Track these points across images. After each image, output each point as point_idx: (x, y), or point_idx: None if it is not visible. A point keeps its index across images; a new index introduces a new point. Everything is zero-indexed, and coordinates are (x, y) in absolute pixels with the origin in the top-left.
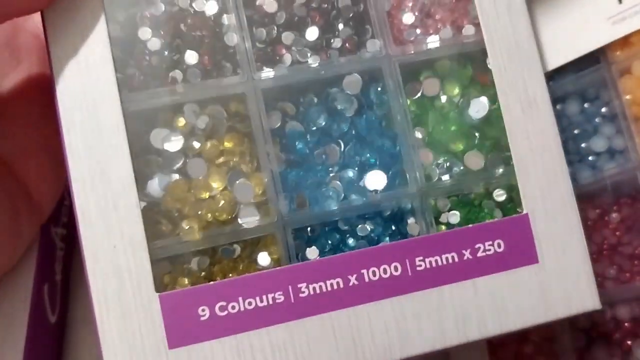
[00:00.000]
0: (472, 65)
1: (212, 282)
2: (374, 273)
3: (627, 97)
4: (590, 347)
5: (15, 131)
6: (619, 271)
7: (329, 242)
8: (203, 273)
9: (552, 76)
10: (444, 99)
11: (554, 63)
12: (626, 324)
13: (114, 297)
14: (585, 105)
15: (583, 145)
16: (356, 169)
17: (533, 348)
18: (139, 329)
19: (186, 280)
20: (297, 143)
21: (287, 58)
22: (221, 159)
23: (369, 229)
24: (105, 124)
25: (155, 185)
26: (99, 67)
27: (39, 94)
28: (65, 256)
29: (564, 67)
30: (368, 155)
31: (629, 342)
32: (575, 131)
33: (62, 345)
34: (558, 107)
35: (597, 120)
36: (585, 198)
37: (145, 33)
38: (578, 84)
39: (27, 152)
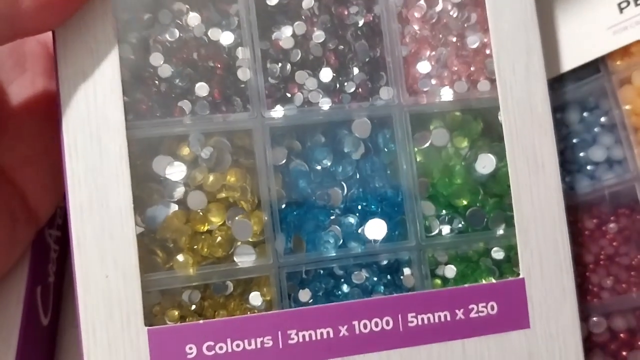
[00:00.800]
0: (483, 121)
1: (201, 321)
2: (365, 325)
3: (627, 107)
4: (585, 357)
5: (16, 139)
6: (616, 282)
7: (323, 286)
8: (194, 307)
9: (552, 85)
10: (451, 150)
11: (554, 71)
12: (622, 335)
13: (102, 327)
14: (585, 114)
15: (582, 154)
16: (357, 215)
17: None
18: None
19: (176, 313)
20: (300, 182)
21: (299, 98)
22: (222, 194)
23: (365, 277)
24: (108, 150)
25: (153, 214)
26: (107, 92)
27: (42, 103)
28: (59, 258)
29: (564, 75)
30: (370, 202)
31: (624, 353)
32: (574, 140)
33: (54, 348)
34: (557, 115)
35: (596, 129)
36: (583, 208)
37: (157, 59)
38: (578, 92)
39: (27, 161)
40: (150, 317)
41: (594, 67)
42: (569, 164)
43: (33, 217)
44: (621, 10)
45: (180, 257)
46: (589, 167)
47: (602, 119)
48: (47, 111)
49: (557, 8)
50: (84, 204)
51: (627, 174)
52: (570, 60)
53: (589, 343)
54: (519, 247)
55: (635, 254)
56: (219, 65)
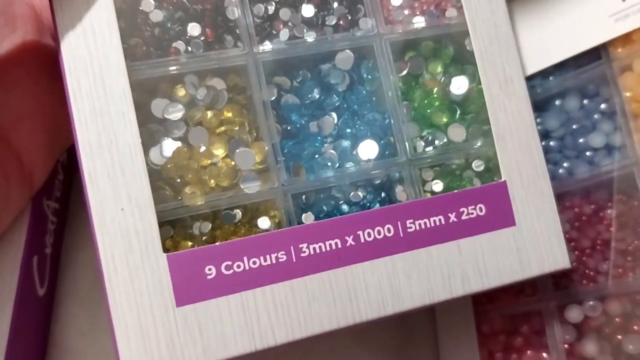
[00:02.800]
0: (454, 47)
1: (218, 243)
2: (368, 234)
3: (627, 94)
4: (580, 340)
5: (9, 97)
6: (612, 266)
7: (324, 208)
8: (205, 237)
9: (553, 71)
10: (427, 76)
11: (555, 58)
12: (617, 319)
13: (122, 258)
14: (585, 101)
15: (581, 140)
16: (349, 139)
17: (523, 341)
18: (147, 289)
19: (189, 244)
20: (292, 115)
21: (285, 33)
22: (222, 128)
23: (361, 196)
24: (112, 90)
25: (157, 153)
26: (105, 34)
27: (34, 61)
28: (57, 230)
29: (565, 62)
30: (360, 127)
31: (619, 337)
32: (574, 126)
33: (50, 319)
34: (557, 102)
35: (596, 116)
36: (581, 193)
37: (148, 5)
38: (578, 79)
39: (20, 119)
40: (165, 251)
41: (595, 54)
42: (568, 149)
43: (27, 177)
44: None
45: (188, 190)
46: (588, 153)
47: (602, 106)
48: (40, 69)
49: None
50: (92, 143)
51: (626, 160)
52: (571, 47)
53: (585, 326)
54: (498, 153)
55: (632, 239)
56: (208, 7)
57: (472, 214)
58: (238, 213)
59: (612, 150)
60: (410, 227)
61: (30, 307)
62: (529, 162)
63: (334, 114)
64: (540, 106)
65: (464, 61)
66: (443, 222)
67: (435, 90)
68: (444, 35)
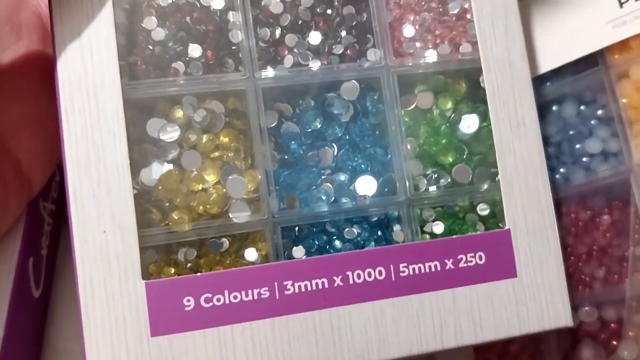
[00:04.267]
0: (466, 83)
1: (199, 274)
2: (358, 276)
3: (624, 100)
4: (575, 346)
5: (10, 105)
6: (608, 272)
7: (316, 242)
8: (189, 264)
9: (550, 77)
10: (436, 112)
11: (552, 64)
12: (612, 325)
13: (100, 281)
14: (582, 107)
15: (577, 146)
16: (348, 173)
17: (518, 347)
18: (123, 315)
19: (172, 270)
20: (292, 143)
21: (289, 59)
22: (216, 154)
23: (356, 233)
24: (105, 108)
25: (148, 174)
26: (103, 52)
27: (36, 71)
28: (53, 232)
29: (562, 68)
30: (360, 161)
31: (614, 343)
32: (571, 132)
33: (45, 321)
34: (554, 108)
35: (592, 122)
36: (577, 199)
37: (150, 22)
38: (575, 85)
39: (20, 127)
40: (147, 276)
41: (592, 60)
42: (564, 155)
43: (26, 184)
44: (621, 4)
45: (175, 215)
46: (584, 159)
47: (599, 112)
48: (42, 78)
49: (558, 1)
50: (81, 161)
51: (622, 166)
52: (569, 53)
53: (580, 332)
54: (504, 199)
55: (628, 245)
56: (211, 28)
57: (471, 262)
58: (225, 242)
59: (608, 157)
60: (404, 272)
61: (25, 309)
62: (536, 209)
63: (334, 145)
64: (537, 112)
65: (476, 99)
66: (439, 268)
67: (443, 127)
68: (457, 71)
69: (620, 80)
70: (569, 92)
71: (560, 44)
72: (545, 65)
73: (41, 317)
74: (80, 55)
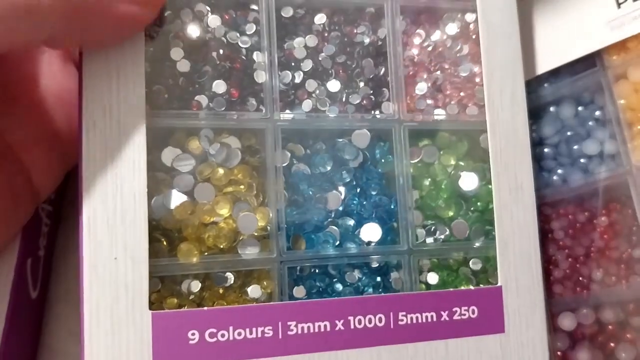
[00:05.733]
0: (469, 143)
1: (205, 308)
2: (359, 321)
3: (622, 102)
4: (573, 348)
5: (28, 118)
6: (605, 274)
7: (317, 284)
8: (192, 297)
9: (548, 78)
10: (438, 167)
11: (550, 65)
12: (610, 327)
13: (107, 309)
14: (580, 108)
15: (575, 148)
16: (354, 218)
17: None
18: (127, 345)
19: (175, 301)
20: (301, 184)
21: (308, 104)
22: (229, 188)
23: (357, 278)
24: (127, 135)
25: (159, 202)
26: (129, 78)
27: (56, 86)
28: (50, 233)
29: (560, 69)
30: (366, 207)
31: (612, 345)
32: (569, 134)
33: (41, 321)
34: (552, 109)
35: (590, 123)
36: (575, 201)
37: (177, 53)
38: (573, 87)
39: (36, 141)
40: (149, 305)
41: (590, 61)
42: (562, 157)
43: (35, 195)
44: (619, 5)
45: (184, 246)
46: (582, 161)
47: (597, 114)
48: (61, 94)
49: (556, 1)
50: (97, 186)
51: (620, 168)
52: (566, 54)
53: (578, 334)
54: (498, 258)
55: (626, 247)
56: (237, 66)
57: (465, 315)
58: (230, 277)
59: (606, 158)
60: (402, 320)
61: (23, 310)
62: (527, 270)
63: (342, 190)
64: (535, 113)
65: (476, 158)
66: (435, 319)
67: (444, 182)
68: (461, 130)
69: (618, 81)
70: (566, 93)
71: (558, 45)
72: (543, 66)
73: (38, 317)
74: (107, 78)
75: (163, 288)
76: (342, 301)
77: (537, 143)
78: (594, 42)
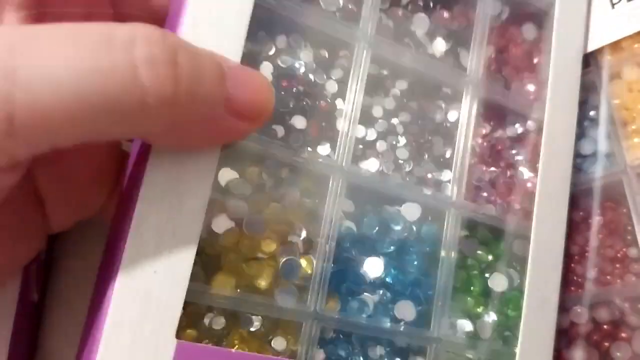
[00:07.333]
0: (507, 244)
1: (233, 350)
2: None
3: (616, 101)
4: (568, 347)
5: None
6: (600, 273)
7: (340, 353)
8: (212, 332)
9: None
10: (471, 261)
11: None
12: (605, 326)
13: (131, 324)
14: None
15: None
16: (390, 292)
17: None
18: None
19: (195, 333)
20: (343, 242)
21: (374, 164)
22: (279, 227)
23: (378, 355)
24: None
25: (207, 225)
26: None
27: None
28: (50, 235)
29: None
30: (404, 283)
31: (606, 344)
32: None
33: (39, 325)
34: None
35: (585, 123)
36: (569, 200)
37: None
38: None
39: (64, 195)
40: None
41: (585, 61)
42: None
43: (49, 231)
44: (613, 5)
45: (221, 276)
46: (576, 160)
47: (591, 113)
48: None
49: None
50: (157, 191)
51: (614, 167)
52: None
53: (572, 334)
54: None
55: (620, 246)
56: (322, 105)
57: None
58: (258, 321)
59: (600, 158)
60: None
61: (27, 314)
62: None
63: (382, 259)
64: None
65: (509, 261)
66: None
67: (477, 277)
68: (499, 231)
69: (612, 81)
70: None
71: None
72: None
73: (37, 321)
74: None
75: (184, 316)
76: None
77: None
78: (589, 42)
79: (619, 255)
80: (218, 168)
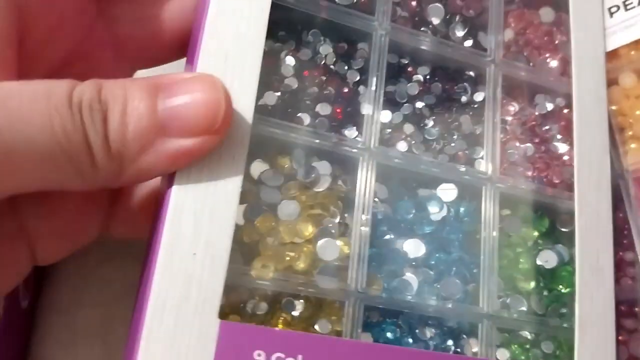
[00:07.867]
0: (552, 220)
1: (277, 329)
2: None
3: (613, 107)
4: None
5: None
6: None
7: (387, 335)
8: (254, 317)
9: None
10: (516, 239)
11: None
12: None
13: (173, 307)
14: None
15: None
16: (433, 272)
17: None
18: (186, 351)
19: (239, 318)
20: (380, 226)
21: (403, 145)
22: (312, 212)
23: (428, 335)
24: (233, 136)
25: (240, 212)
26: (245, 76)
27: None
28: None
29: None
30: (446, 263)
31: None
32: None
33: (30, 331)
34: None
35: None
36: None
37: (287, 70)
38: None
39: (53, 234)
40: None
41: None
42: None
43: (34, 264)
44: (611, 14)
45: (259, 260)
46: None
47: None
48: None
49: None
50: (192, 173)
51: (612, 172)
52: None
53: None
54: (576, 342)
55: (617, 250)
56: (346, 92)
57: None
58: (300, 305)
59: None
60: None
61: (14, 320)
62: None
63: (422, 240)
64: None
65: (556, 236)
66: None
67: (524, 255)
68: (542, 205)
69: (610, 87)
70: None
71: None
72: None
73: (27, 327)
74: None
75: (226, 303)
76: (417, 353)
77: None
78: None
79: (615, 258)
80: (249, 162)
